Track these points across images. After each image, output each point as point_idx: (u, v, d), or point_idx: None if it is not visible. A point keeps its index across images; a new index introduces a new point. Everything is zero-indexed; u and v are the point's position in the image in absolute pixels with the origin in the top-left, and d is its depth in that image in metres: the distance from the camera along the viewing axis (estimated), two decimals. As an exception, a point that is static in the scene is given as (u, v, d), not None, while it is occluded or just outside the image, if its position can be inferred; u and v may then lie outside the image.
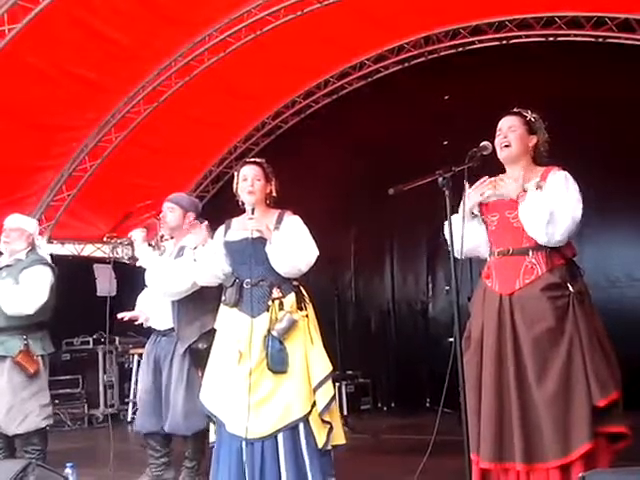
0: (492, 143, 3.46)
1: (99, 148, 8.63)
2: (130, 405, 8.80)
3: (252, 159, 4.08)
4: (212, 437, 3.95)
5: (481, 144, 3.40)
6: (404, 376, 8.74)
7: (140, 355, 8.01)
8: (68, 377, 8.50)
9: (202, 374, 4.51)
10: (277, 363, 3.71)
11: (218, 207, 8.77)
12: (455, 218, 3.33)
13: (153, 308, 4.77)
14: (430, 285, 8.89)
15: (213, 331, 4.60)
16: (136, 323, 4.91)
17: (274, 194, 3.98)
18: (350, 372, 8.49)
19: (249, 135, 9.74)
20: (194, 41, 7.87)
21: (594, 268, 6.54)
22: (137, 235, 4.73)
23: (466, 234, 3.33)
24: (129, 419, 8.73)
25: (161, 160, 9.08)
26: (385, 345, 8.98)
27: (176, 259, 4.61)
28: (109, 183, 8.84)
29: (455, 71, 8.49)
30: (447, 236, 3.25)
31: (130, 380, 8.78)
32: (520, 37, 8.16)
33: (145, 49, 7.65)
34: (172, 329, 4.65)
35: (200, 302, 4.56)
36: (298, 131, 9.59)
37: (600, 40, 7.70)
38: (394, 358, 8.89)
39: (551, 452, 3.18)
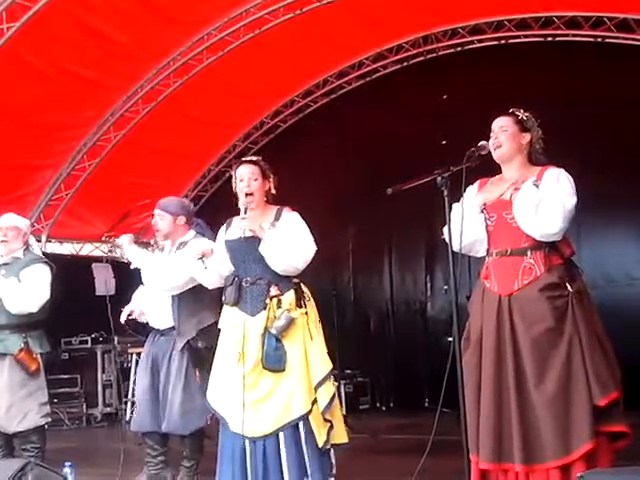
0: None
1: (98, 147, 8.63)
2: (128, 404, 8.79)
3: (248, 158, 4.07)
4: None
5: (479, 144, 3.41)
6: (403, 376, 8.74)
7: (139, 354, 8.00)
8: (66, 376, 8.50)
9: (200, 374, 4.53)
10: (272, 362, 3.69)
11: (217, 206, 8.80)
12: (456, 208, 3.34)
13: (151, 307, 4.77)
14: (428, 285, 8.90)
15: (212, 328, 4.62)
16: (131, 317, 4.92)
17: (273, 191, 3.96)
18: (349, 371, 8.49)
19: (248, 134, 9.73)
20: (193, 40, 7.86)
21: (592, 267, 6.55)
22: (123, 239, 4.72)
23: (468, 226, 3.34)
24: (127, 418, 8.72)
25: (160, 159, 9.07)
26: (384, 345, 8.98)
27: (177, 252, 4.62)
28: (108, 182, 8.83)
29: (454, 71, 8.50)
30: (446, 235, 3.26)
31: (129, 379, 8.77)
32: (519, 37, 8.17)
33: (144, 48, 7.65)
34: (170, 328, 4.65)
35: (199, 297, 4.56)
36: (297, 130, 9.59)
37: (599, 40, 7.71)
38: (393, 358, 8.89)
39: (551, 452, 3.18)
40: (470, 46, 8.50)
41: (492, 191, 3.51)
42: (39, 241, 8.95)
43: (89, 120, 8.33)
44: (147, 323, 4.92)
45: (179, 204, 4.85)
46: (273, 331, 3.69)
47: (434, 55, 8.76)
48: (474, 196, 3.53)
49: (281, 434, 3.67)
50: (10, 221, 4.97)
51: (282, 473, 3.67)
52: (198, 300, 4.56)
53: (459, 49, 8.57)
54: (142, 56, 7.79)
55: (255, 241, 3.79)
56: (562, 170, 3.42)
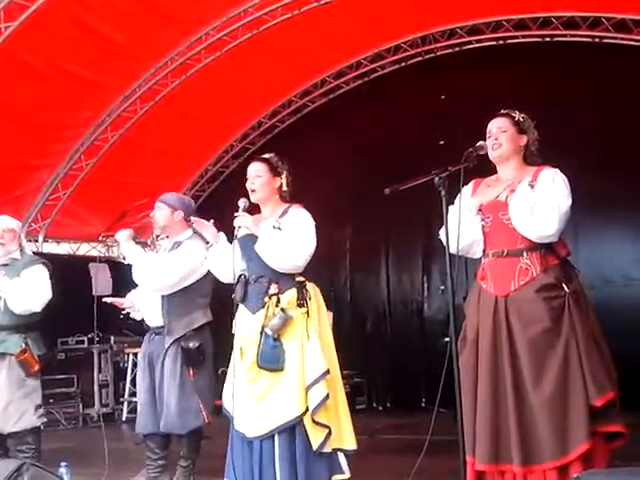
0: (488, 143, 3.47)
1: (95, 147, 8.62)
2: (125, 404, 8.79)
3: (260, 155, 3.99)
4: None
5: (477, 144, 3.41)
6: (399, 376, 8.74)
7: (135, 354, 8.01)
8: (63, 376, 8.48)
9: (194, 373, 4.53)
10: (268, 361, 3.63)
11: (214, 206, 8.79)
12: (452, 209, 3.33)
13: (147, 305, 4.77)
14: (425, 285, 8.89)
15: (204, 329, 4.61)
16: (124, 310, 4.93)
17: (284, 188, 3.89)
18: (345, 372, 8.44)
19: (245, 134, 9.73)
20: (191, 40, 7.85)
21: (589, 268, 6.54)
22: (121, 234, 4.72)
23: (465, 228, 3.33)
24: (124, 418, 8.72)
25: (157, 159, 9.07)
26: (380, 345, 8.97)
27: (170, 252, 4.62)
28: (105, 182, 8.82)
29: (452, 71, 8.49)
30: (442, 237, 3.25)
31: (125, 379, 8.77)
32: (517, 37, 8.17)
33: (142, 48, 7.64)
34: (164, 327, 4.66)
35: (191, 297, 4.56)
36: (294, 130, 9.58)
37: (597, 40, 7.72)
38: (389, 358, 8.87)
39: (548, 453, 3.18)
40: (468, 46, 8.50)
41: (488, 192, 3.51)
42: (36, 241, 8.96)
43: (87, 120, 8.32)
44: (142, 320, 4.93)
45: (179, 199, 4.88)
46: (268, 330, 3.64)
47: (432, 55, 8.76)
48: (469, 197, 3.52)
49: (276, 436, 3.61)
50: (6, 223, 4.99)
51: (275, 476, 3.60)
52: (189, 301, 4.56)
53: (457, 49, 8.57)
54: (140, 56, 7.78)
55: (254, 239, 3.77)
56: (557, 170, 3.42)
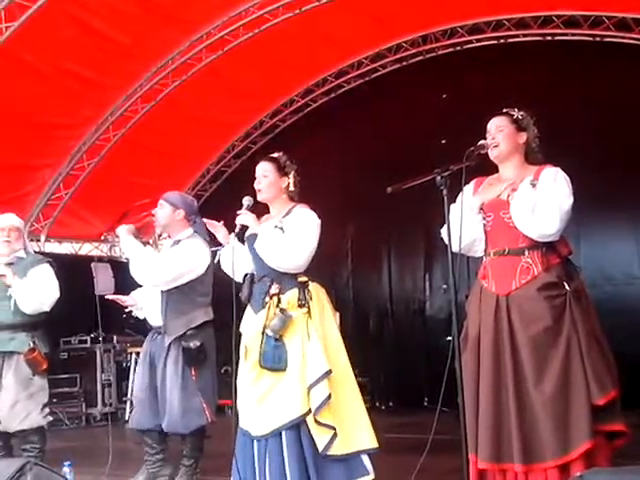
0: (489, 142, 3.47)
1: (97, 147, 8.63)
2: (128, 404, 8.79)
3: (269, 155, 3.95)
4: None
5: (479, 143, 3.41)
6: (402, 375, 8.73)
7: (138, 354, 8.00)
8: (66, 376, 8.49)
9: (195, 373, 4.53)
10: (269, 361, 3.62)
11: (216, 205, 8.79)
12: (454, 208, 3.33)
13: (149, 304, 4.78)
14: (427, 284, 8.89)
15: (204, 328, 4.60)
16: (126, 308, 4.94)
17: (292, 188, 3.85)
18: (348, 371, 8.46)
19: (247, 133, 9.74)
20: (192, 39, 7.86)
21: (591, 266, 6.56)
22: (121, 229, 4.72)
23: (467, 227, 3.34)
24: (127, 418, 8.72)
25: (159, 158, 9.07)
26: (383, 344, 8.97)
27: (169, 249, 4.63)
28: (107, 182, 8.83)
29: (453, 70, 8.50)
30: (444, 235, 3.25)
31: (128, 379, 8.77)
32: (518, 36, 8.17)
33: (143, 47, 7.65)
34: (167, 326, 4.67)
35: (190, 296, 4.56)
36: (296, 129, 9.58)
37: (598, 39, 7.72)
38: (392, 357, 8.87)
39: (550, 452, 3.18)
40: (469, 45, 8.50)
41: (489, 191, 3.51)
42: (38, 240, 8.97)
43: (88, 120, 8.33)
44: (144, 319, 4.93)
45: (181, 198, 4.87)
46: (268, 331, 3.62)
47: (433, 54, 8.76)
48: (471, 196, 3.52)
49: (284, 434, 3.56)
50: (12, 221, 5.00)
51: (285, 476, 3.54)
52: (188, 300, 4.55)
53: (458, 48, 8.57)
54: (141, 55, 7.79)
55: (255, 238, 3.77)
56: (559, 169, 3.42)
